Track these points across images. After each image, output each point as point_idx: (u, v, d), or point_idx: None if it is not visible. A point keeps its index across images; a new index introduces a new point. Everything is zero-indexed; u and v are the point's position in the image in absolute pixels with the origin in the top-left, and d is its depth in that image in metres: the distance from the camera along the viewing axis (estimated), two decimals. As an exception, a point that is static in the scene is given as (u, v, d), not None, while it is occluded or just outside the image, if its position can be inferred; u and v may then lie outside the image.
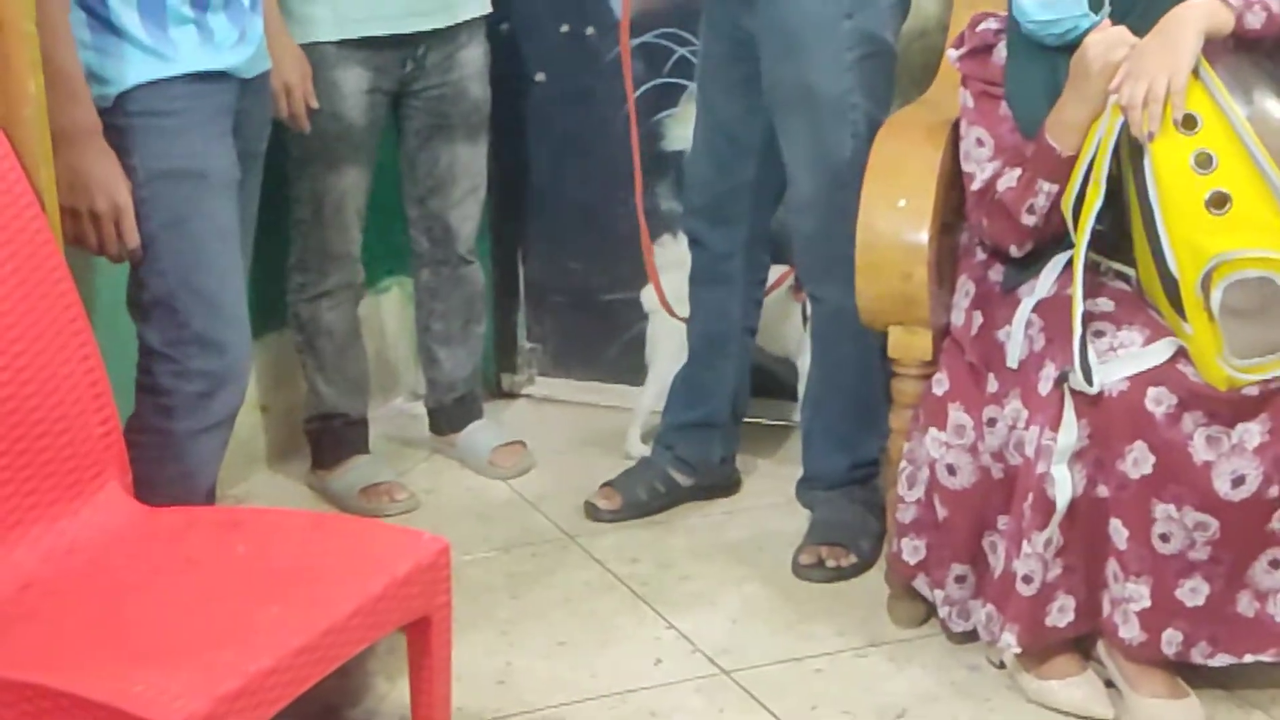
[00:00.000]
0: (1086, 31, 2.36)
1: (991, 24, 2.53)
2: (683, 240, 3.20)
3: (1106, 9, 2.37)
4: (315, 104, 2.84)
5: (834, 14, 2.75)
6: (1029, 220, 2.46)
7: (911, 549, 2.58)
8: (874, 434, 2.92)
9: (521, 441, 3.40)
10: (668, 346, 3.33)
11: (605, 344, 3.66)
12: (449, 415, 3.41)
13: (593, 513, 3.13)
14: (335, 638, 1.79)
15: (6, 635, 1.80)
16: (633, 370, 3.61)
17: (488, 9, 3.20)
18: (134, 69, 2.30)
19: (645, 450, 3.29)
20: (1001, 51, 2.50)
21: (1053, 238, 2.48)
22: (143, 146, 2.31)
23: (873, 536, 2.93)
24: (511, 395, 3.75)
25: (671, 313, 3.21)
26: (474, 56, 3.18)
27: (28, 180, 2.03)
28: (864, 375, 2.90)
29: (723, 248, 3.06)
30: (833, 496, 2.98)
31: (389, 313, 3.65)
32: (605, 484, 3.16)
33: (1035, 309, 2.45)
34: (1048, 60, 2.42)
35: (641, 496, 3.13)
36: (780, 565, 2.91)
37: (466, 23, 3.14)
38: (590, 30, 3.48)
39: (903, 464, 2.58)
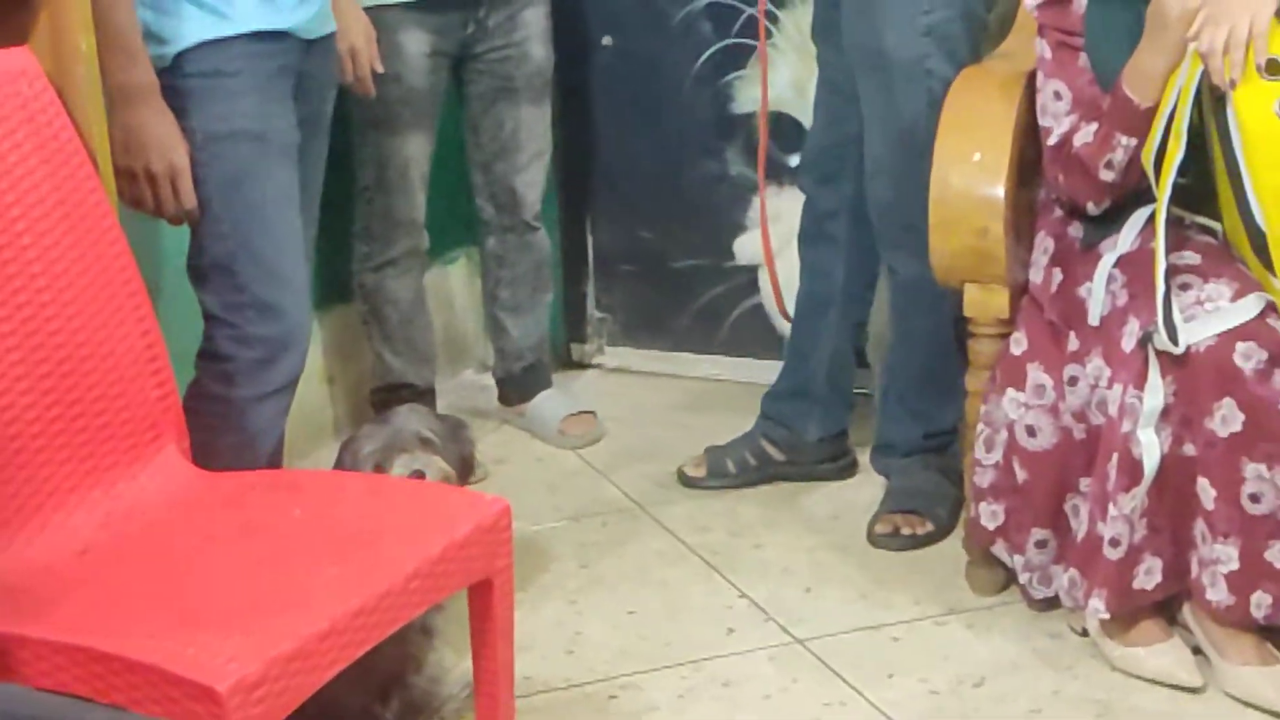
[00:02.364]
0: None
1: (1072, -28, 2.45)
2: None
3: None
4: (380, 68, 2.80)
5: None
6: (1107, 176, 2.38)
7: (990, 514, 2.51)
8: (949, 403, 2.85)
9: (591, 411, 3.35)
10: None
11: (676, 313, 3.60)
12: (518, 385, 3.37)
13: (681, 478, 3.08)
14: (393, 600, 1.74)
15: (62, 600, 1.78)
16: (704, 340, 3.57)
17: (544, -28, 3.16)
18: (193, 28, 2.27)
19: None
20: (1080, 1, 2.41)
21: (1132, 194, 2.40)
22: (201, 107, 2.28)
23: (949, 503, 2.86)
24: (581, 365, 3.71)
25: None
26: (535, 17, 3.13)
27: (81, 140, 2.00)
28: (939, 345, 2.83)
29: (827, 204, 2.95)
30: (908, 464, 2.92)
31: (457, 284, 3.61)
32: (707, 449, 3.10)
33: (1117, 264, 2.38)
34: (1132, 8, 2.32)
35: (730, 468, 3.06)
36: (854, 534, 2.85)
37: (527, -17, 3.10)
38: (657, -9, 3.42)
39: (980, 426, 2.51)
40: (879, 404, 3.00)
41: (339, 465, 2.45)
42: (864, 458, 3.07)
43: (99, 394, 1.98)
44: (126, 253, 2.03)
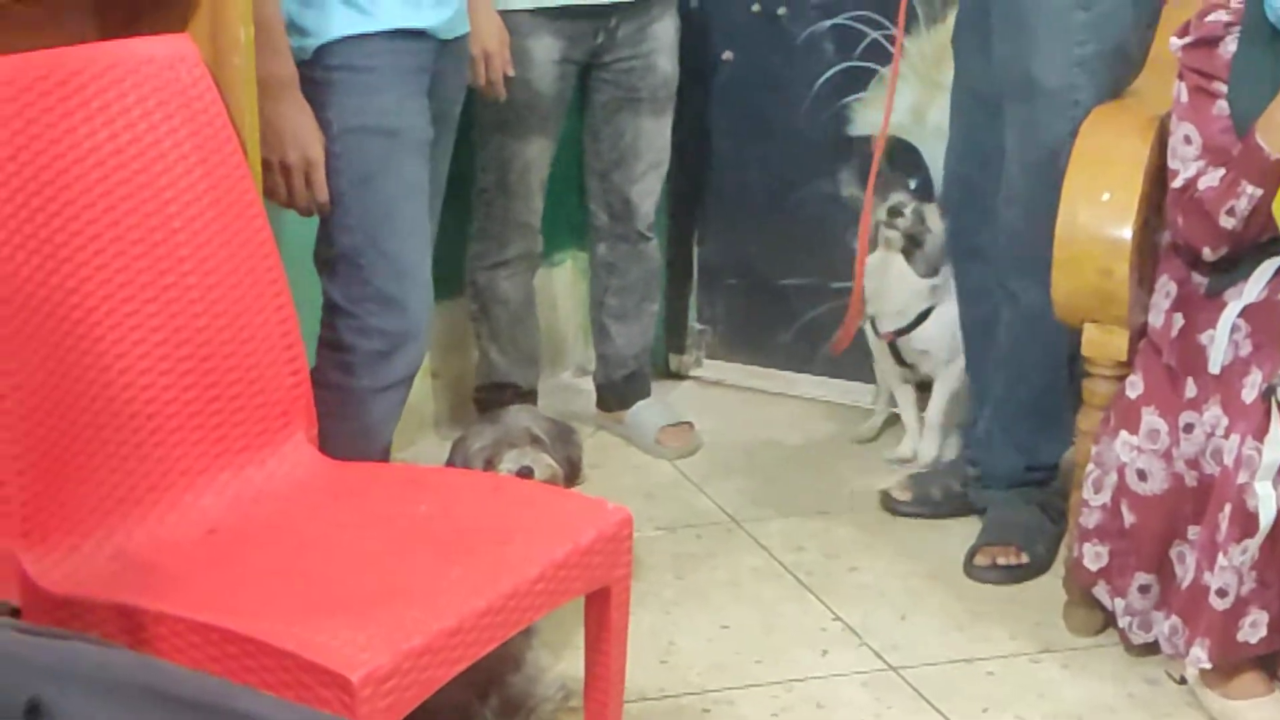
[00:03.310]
0: None
1: (1222, 15, 2.43)
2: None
3: None
4: (512, 72, 2.83)
5: (1068, 4, 2.62)
6: (1227, 223, 2.37)
7: (1094, 555, 2.51)
8: (1055, 438, 2.84)
9: (689, 422, 3.37)
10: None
11: (777, 330, 3.61)
12: (618, 392, 3.39)
13: (887, 501, 3.06)
14: (518, 601, 1.76)
15: (192, 578, 1.81)
16: (804, 358, 3.57)
17: (677, -17, 3.18)
18: (336, 22, 2.31)
19: (909, 454, 3.26)
20: (1228, 46, 2.40)
21: (1251, 244, 2.39)
22: (339, 101, 2.32)
23: (1049, 539, 2.85)
24: (679, 376, 3.72)
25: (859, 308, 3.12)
26: (665, 30, 3.15)
27: (234, 128, 2.03)
28: (1051, 379, 2.80)
29: (971, 220, 2.91)
30: (1009, 496, 2.91)
31: (561, 286, 3.64)
32: (912, 475, 3.10)
33: (1242, 314, 2.36)
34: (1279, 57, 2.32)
35: (935, 495, 3.04)
36: (951, 562, 2.85)
37: (659, -4, 3.12)
38: (782, 10, 3.44)
39: (1090, 467, 2.51)
40: (982, 436, 2.98)
41: (450, 462, 2.48)
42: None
43: (235, 378, 2.01)
44: (270, 241, 2.06)
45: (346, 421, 2.38)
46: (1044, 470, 2.91)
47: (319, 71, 2.30)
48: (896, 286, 3.16)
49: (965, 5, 2.88)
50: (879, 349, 3.28)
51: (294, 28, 2.27)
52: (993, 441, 2.94)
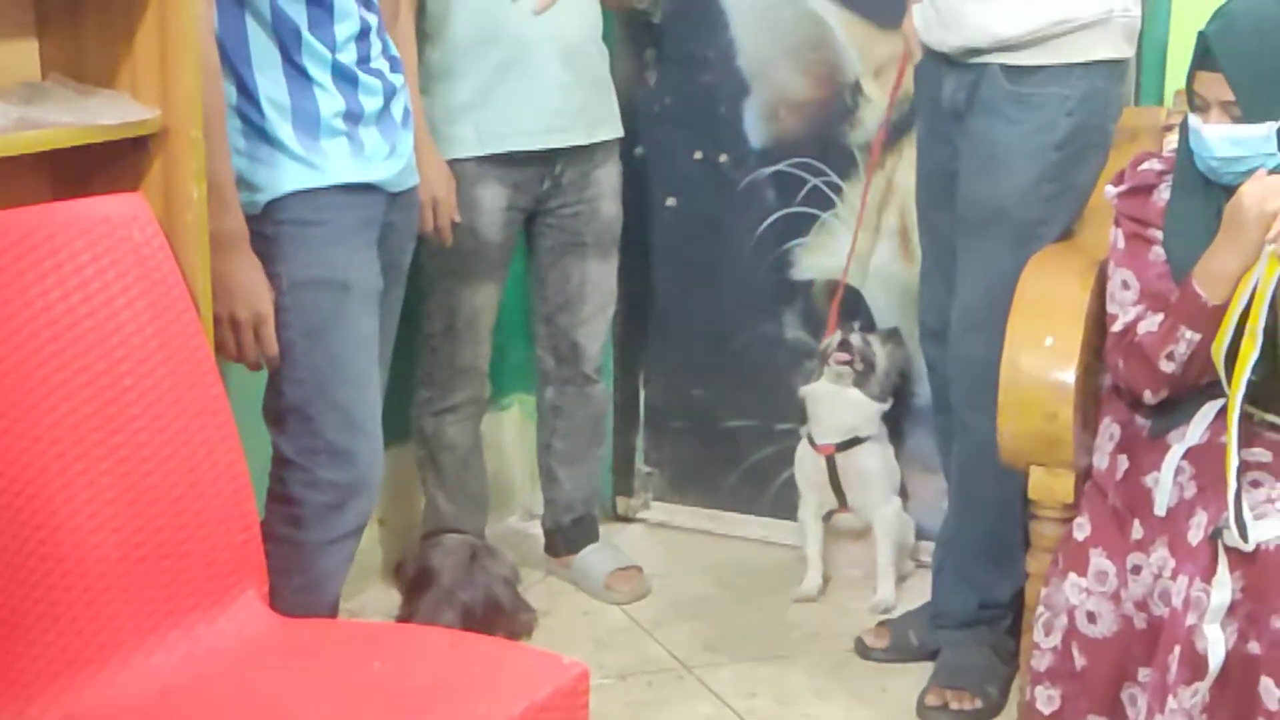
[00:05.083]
0: (1271, 174, 2.31)
1: (1155, 165, 2.50)
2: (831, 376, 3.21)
3: None
4: (459, 219, 2.85)
5: (1044, 143, 2.71)
6: (1167, 367, 2.41)
7: (1046, 698, 2.50)
8: (1007, 575, 2.85)
9: (638, 566, 3.36)
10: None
11: (725, 472, 3.62)
12: (566, 536, 3.38)
13: (860, 649, 3.04)
14: (475, 762, 1.75)
15: (143, 743, 1.78)
16: (751, 499, 3.59)
17: (620, 133, 3.22)
18: (286, 177, 2.32)
19: (811, 592, 3.27)
20: (1162, 193, 2.46)
21: (1191, 387, 2.43)
22: (289, 255, 2.33)
23: (1000, 681, 2.85)
24: (627, 519, 3.72)
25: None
26: (609, 175, 3.20)
27: (186, 285, 2.04)
28: (1004, 514, 2.82)
29: None
30: (961, 637, 2.91)
31: (509, 430, 3.64)
32: (881, 622, 3.08)
33: (1186, 456, 2.39)
34: (1212, 204, 2.37)
35: (912, 640, 3.03)
36: (905, 708, 2.85)
37: (603, 143, 3.17)
38: (723, 158, 3.49)
39: (1040, 609, 2.51)
40: (935, 573, 2.99)
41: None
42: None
43: (186, 535, 2.00)
44: (222, 397, 2.06)
45: (295, 575, 2.36)
46: (997, 608, 2.91)
47: (269, 226, 2.32)
48: (845, 405, 3.21)
49: (926, 171, 2.94)
50: (814, 468, 3.29)
51: (244, 183, 2.29)
52: (945, 580, 2.95)
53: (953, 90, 2.80)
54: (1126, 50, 2.77)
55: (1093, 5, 2.69)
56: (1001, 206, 2.74)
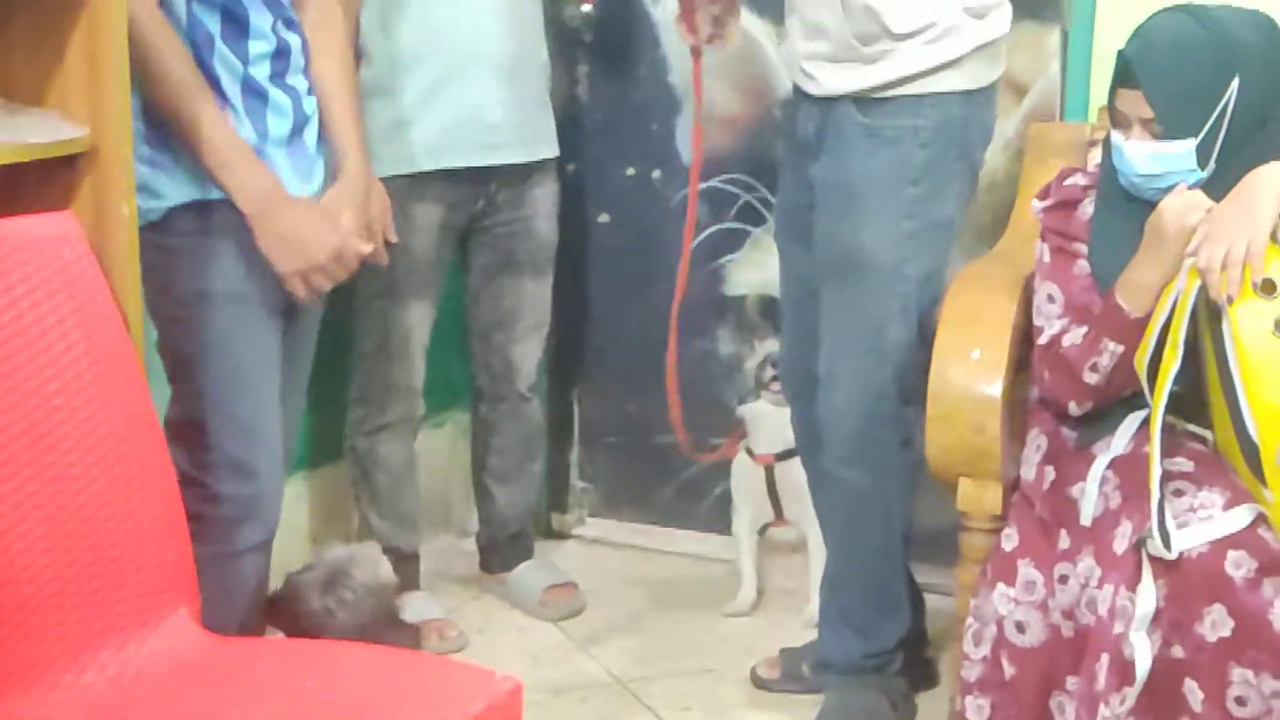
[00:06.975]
0: (1191, 189, 2.34)
1: (1080, 179, 2.54)
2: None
3: (1212, 166, 2.36)
4: (394, 238, 2.86)
5: (899, 178, 2.65)
6: (1091, 378, 2.45)
7: (976, 708, 2.52)
8: (892, 619, 2.83)
9: (573, 583, 3.37)
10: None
11: (658, 487, 3.64)
12: (501, 553, 3.39)
13: (755, 679, 3.00)
14: (408, 777, 1.75)
15: (73, 763, 1.77)
16: (685, 514, 3.60)
17: (556, 151, 3.23)
18: (184, 188, 2.32)
19: (745, 608, 3.28)
20: (1087, 208, 2.50)
21: (1115, 398, 2.47)
22: (187, 267, 2.32)
23: None
24: (561, 535, 3.73)
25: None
26: (544, 195, 3.21)
27: (116, 304, 2.03)
28: (887, 558, 2.79)
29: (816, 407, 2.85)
30: (846, 682, 2.85)
31: (442, 448, 3.64)
32: (782, 650, 3.02)
33: (1110, 466, 2.43)
34: (1135, 219, 2.41)
35: (804, 672, 2.97)
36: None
37: (539, 162, 3.17)
38: (656, 174, 3.52)
39: (969, 620, 2.53)
40: (820, 619, 2.94)
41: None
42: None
43: (117, 554, 1.99)
44: (151, 414, 2.06)
45: (201, 591, 2.33)
46: (883, 655, 2.86)
47: (167, 237, 2.31)
48: (784, 420, 3.15)
49: (785, 204, 2.90)
50: (753, 479, 3.30)
51: (146, 190, 2.26)
52: (830, 625, 2.89)
53: (804, 122, 2.75)
54: (987, 77, 2.68)
55: (945, 50, 2.62)
56: (861, 247, 2.65)
